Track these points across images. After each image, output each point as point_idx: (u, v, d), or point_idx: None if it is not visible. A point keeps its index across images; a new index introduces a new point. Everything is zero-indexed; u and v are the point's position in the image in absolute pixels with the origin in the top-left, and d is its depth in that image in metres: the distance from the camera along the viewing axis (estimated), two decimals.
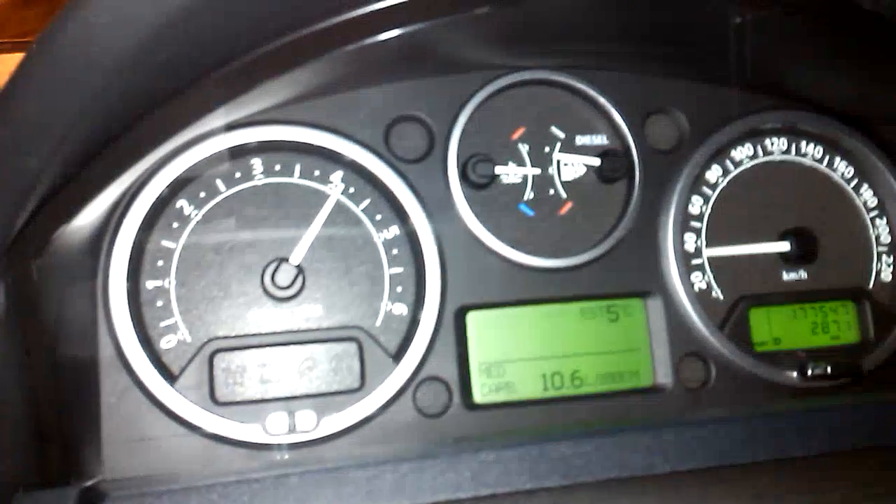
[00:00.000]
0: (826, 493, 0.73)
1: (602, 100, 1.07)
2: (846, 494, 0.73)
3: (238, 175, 0.98)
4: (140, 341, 0.91)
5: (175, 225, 0.95)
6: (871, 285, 1.14)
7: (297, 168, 1.00)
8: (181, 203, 0.96)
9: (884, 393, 1.04)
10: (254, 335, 0.95)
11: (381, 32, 0.92)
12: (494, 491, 0.70)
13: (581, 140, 1.08)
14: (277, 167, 0.99)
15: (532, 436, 0.80)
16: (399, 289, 1.00)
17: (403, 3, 0.86)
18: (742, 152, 1.13)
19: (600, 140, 1.09)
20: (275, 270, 0.95)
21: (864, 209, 1.15)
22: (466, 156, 1.03)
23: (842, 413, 0.80)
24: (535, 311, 1.04)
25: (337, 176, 1.00)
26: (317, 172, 1.00)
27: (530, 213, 1.06)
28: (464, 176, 1.03)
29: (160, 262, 0.94)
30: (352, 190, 1.01)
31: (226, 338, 0.94)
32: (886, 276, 1.14)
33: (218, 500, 0.65)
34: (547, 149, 1.07)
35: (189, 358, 0.93)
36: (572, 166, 1.08)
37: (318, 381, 0.96)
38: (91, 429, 0.91)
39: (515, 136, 1.07)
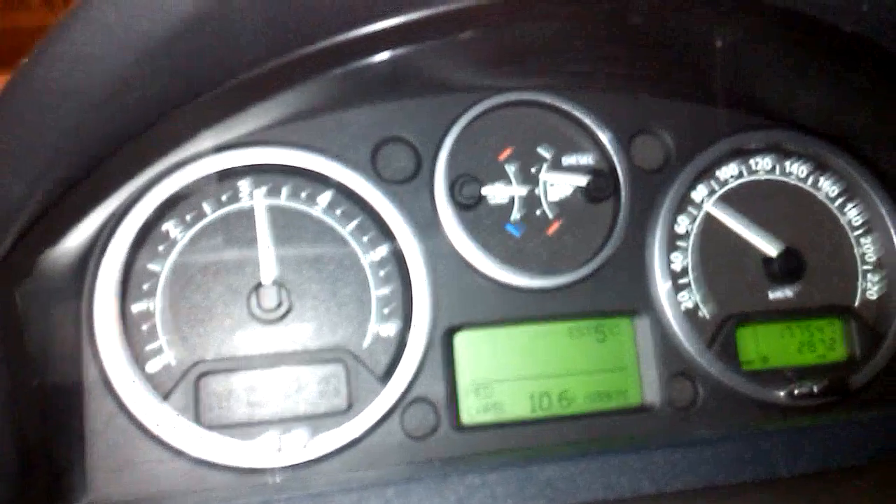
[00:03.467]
0: None
1: (588, 120, 1.07)
2: None
3: (224, 198, 0.98)
4: (126, 365, 0.91)
5: (161, 248, 0.95)
6: (857, 303, 1.14)
7: (284, 190, 1.00)
8: (167, 226, 0.96)
9: (870, 410, 1.05)
10: (240, 358, 0.95)
11: (369, 56, 0.93)
12: None
13: (568, 160, 1.09)
14: (264, 190, 0.99)
15: (518, 458, 0.80)
16: (386, 310, 1.00)
17: (390, 27, 0.87)
18: (727, 171, 1.13)
19: (587, 160, 1.09)
20: (259, 292, 0.95)
21: (849, 228, 1.16)
22: (454, 177, 1.03)
23: (828, 432, 0.80)
24: (524, 330, 1.04)
25: (325, 196, 1.00)
26: (304, 194, 1.00)
27: (518, 233, 1.06)
28: (451, 196, 1.03)
29: (146, 286, 0.94)
30: (339, 211, 1.01)
31: (212, 361, 0.94)
32: (872, 294, 1.15)
33: None
34: (534, 169, 1.08)
35: (175, 381, 0.92)
36: (559, 186, 1.08)
37: (305, 403, 0.96)
38: (77, 454, 0.90)
39: (502, 156, 1.07)
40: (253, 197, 0.99)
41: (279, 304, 0.95)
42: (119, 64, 0.68)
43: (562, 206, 1.08)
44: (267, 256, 0.97)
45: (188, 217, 0.96)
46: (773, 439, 0.78)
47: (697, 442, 0.79)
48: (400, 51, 0.93)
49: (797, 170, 1.16)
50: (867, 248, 1.16)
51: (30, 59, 0.65)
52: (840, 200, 1.16)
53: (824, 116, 1.13)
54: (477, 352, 1.02)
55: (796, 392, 1.05)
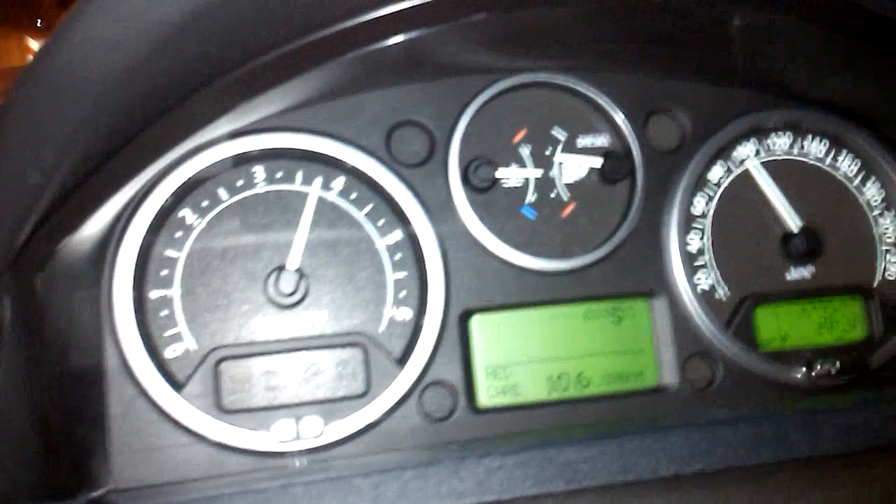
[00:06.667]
0: (834, 490, 0.73)
1: (602, 101, 1.06)
2: (854, 493, 0.73)
3: (240, 183, 0.98)
4: (145, 351, 0.92)
5: (178, 234, 0.95)
6: (876, 283, 1.13)
7: (300, 175, 1.00)
8: (184, 212, 0.96)
9: (892, 390, 1.04)
10: (259, 343, 0.95)
11: (384, 39, 0.93)
12: (499, 497, 0.70)
13: (583, 141, 1.08)
14: (279, 174, 0.99)
15: (536, 440, 0.80)
16: (402, 294, 1.00)
17: (405, 10, 0.87)
18: (744, 151, 1.12)
19: (602, 141, 1.09)
20: (277, 277, 0.95)
21: (867, 207, 1.14)
22: (468, 159, 1.03)
23: (849, 412, 0.80)
24: (540, 313, 1.04)
25: (339, 180, 1.00)
26: (319, 179, 1.00)
27: (532, 215, 1.06)
28: (465, 180, 1.02)
29: (164, 272, 0.95)
30: (354, 195, 1.01)
31: (231, 346, 0.95)
32: (892, 274, 1.13)
33: None
34: (548, 151, 1.07)
35: (195, 366, 0.93)
36: (574, 168, 1.08)
37: (323, 387, 0.96)
38: (99, 439, 0.91)
39: (517, 138, 1.07)
40: (266, 181, 0.99)
41: (296, 289, 0.95)
42: (134, 50, 0.69)
43: (577, 188, 1.07)
44: (300, 241, 0.97)
45: (204, 203, 0.97)
46: (793, 420, 0.78)
47: (715, 423, 0.78)
48: (414, 34, 0.93)
49: (815, 148, 1.14)
50: (886, 228, 1.14)
51: (45, 46, 0.65)
52: (859, 179, 1.15)
53: (844, 95, 1.11)
54: (493, 335, 1.02)
55: (815, 371, 1.04)
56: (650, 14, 0.91)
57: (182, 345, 0.94)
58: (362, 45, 0.92)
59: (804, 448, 0.75)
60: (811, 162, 1.14)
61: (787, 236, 1.10)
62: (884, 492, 0.73)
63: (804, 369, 1.06)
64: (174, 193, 0.95)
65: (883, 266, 1.14)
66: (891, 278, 1.14)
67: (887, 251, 1.14)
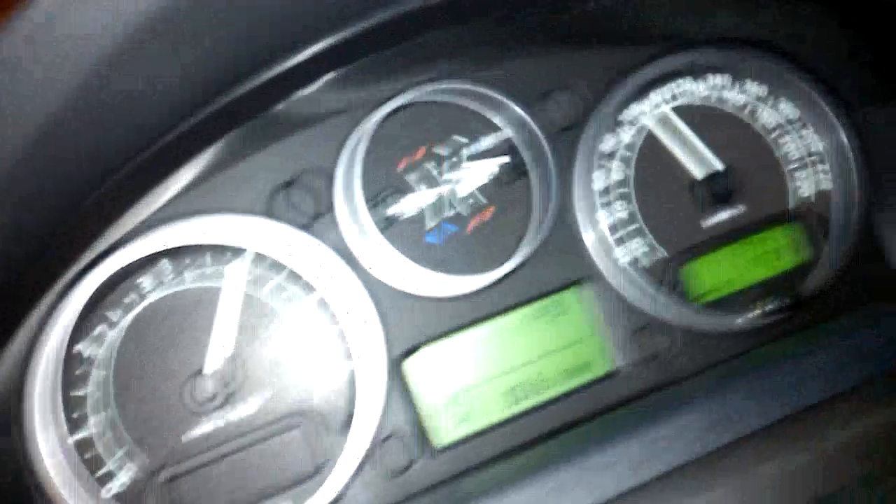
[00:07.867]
0: (786, 457, 0.72)
1: (493, 94, 1.01)
2: (810, 454, 0.73)
3: (128, 300, 0.92)
4: (83, 498, 0.87)
5: (79, 371, 0.90)
6: (793, 204, 1.12)
7: (189, 272, 0.95)
8: (79, 347, 0.90)
9: (833, 318, 1.03)
10: (198, 454, 0.91)
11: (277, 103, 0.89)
12: None
13: (469, 151, 1.04)
14: (168, 278, 0.94)
15: (497, 482, 0.78)
16: (329, 360, 0.97)
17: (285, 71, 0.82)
18: (635, 111, 1.09)
19: (488, 144, 1.04)
20: (195, 385, 0.91)
21: (765, 131, 1.13)
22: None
23: (788, 370, 0.79)
24: (475, 332, 1.01)
25: (234, 266, 0.96)
26: (210, 271, 0.95)
27: (438, 240, 1.02)
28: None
29: (76, 414, 0.89)
30: (255, 274, 0.96)
31: (171, 465, 0.90)
32: (805, 191, 1.13)
33: None
34: (436, 171, 1.03)
35: (137, 496, 0.89)
36: (468, 180, 1.04)
37: (278, 474, 0.93)
38: None
39: (401, 166, 1.02)
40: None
41: (217, 392, 0.91)
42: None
43: (477, 199, 1.04)
44: (216, 344, 0.93)
45: (97, 331, 0.91)
46: (737, 394, 0.77)
47: (663, 417, 0.77)
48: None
49: (698, 89, 1.12)
50: (789, 147, 1.13)
51: None
52: (749, 108, 1.13)
53: (737, 27, 1.08)
54: (433, 370, 0.99)
55: (755, 313, 1.04)
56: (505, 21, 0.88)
57: (120, 479, 0.90)
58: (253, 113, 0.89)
59: (753, 420, 0.74)
60: (697, 103, 1.12)
61: (697, 184, 1.09)
62: (839, 444, 0.72)
63: (744, 314, 1.05)
64: (66, 330, 0.89)
65: (794, 186, 1.13)
66: (804, 196, 1.13)
67: (794, 170, 1.13)
